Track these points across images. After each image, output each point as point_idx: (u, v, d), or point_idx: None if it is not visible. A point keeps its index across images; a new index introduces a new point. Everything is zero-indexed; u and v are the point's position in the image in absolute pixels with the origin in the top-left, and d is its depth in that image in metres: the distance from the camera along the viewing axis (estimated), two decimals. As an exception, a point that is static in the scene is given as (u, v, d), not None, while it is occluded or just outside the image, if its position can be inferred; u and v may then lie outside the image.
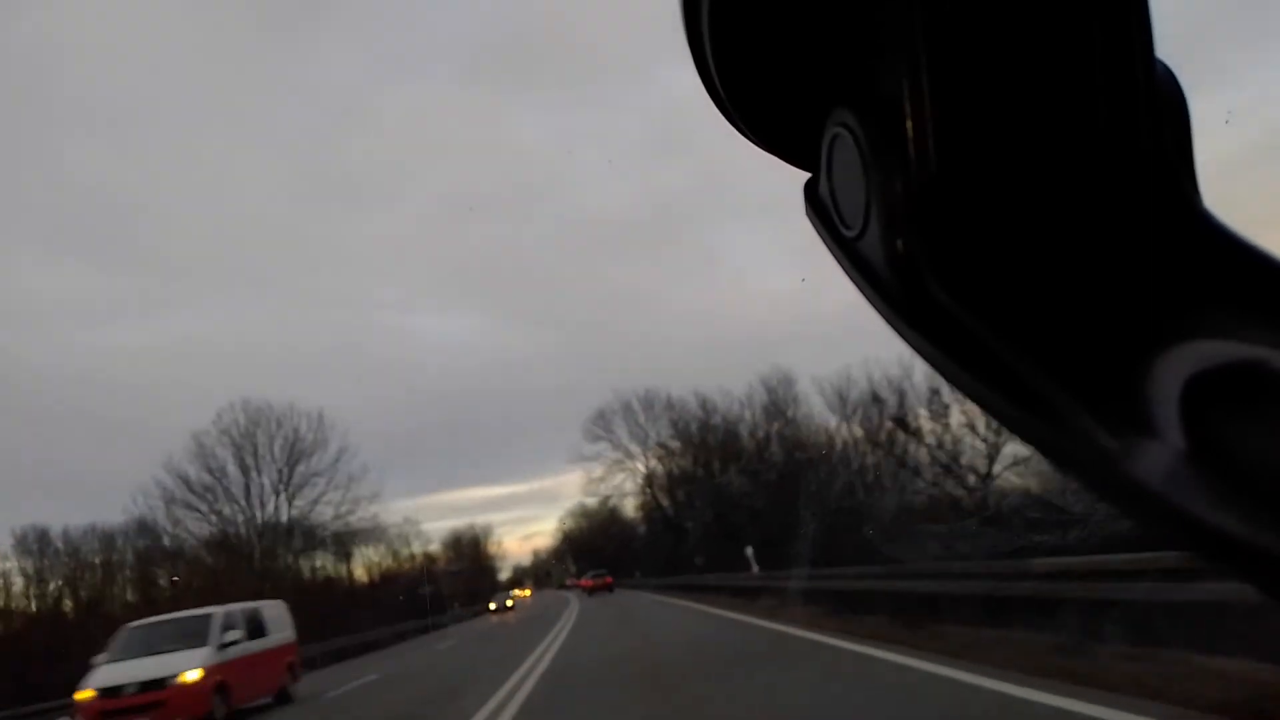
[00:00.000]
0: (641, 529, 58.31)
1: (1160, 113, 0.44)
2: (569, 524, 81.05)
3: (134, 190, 68.89)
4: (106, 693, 12.54)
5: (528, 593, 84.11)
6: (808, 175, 0.55)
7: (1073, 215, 0.45)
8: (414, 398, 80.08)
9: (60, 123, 65.89)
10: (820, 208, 0.52)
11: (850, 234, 0.49)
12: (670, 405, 49.07)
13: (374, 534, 54.17)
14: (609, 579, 51.03)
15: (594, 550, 68.35)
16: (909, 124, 0.44)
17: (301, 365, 72.13)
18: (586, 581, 53.72)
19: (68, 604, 38.42)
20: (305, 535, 44.69)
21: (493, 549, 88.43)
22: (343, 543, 47.56)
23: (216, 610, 14.13)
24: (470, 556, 77.99)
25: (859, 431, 31.07)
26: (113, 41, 74.06)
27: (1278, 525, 0.31)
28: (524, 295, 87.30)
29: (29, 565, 37.63)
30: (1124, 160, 0.44)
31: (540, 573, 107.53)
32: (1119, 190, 0.44)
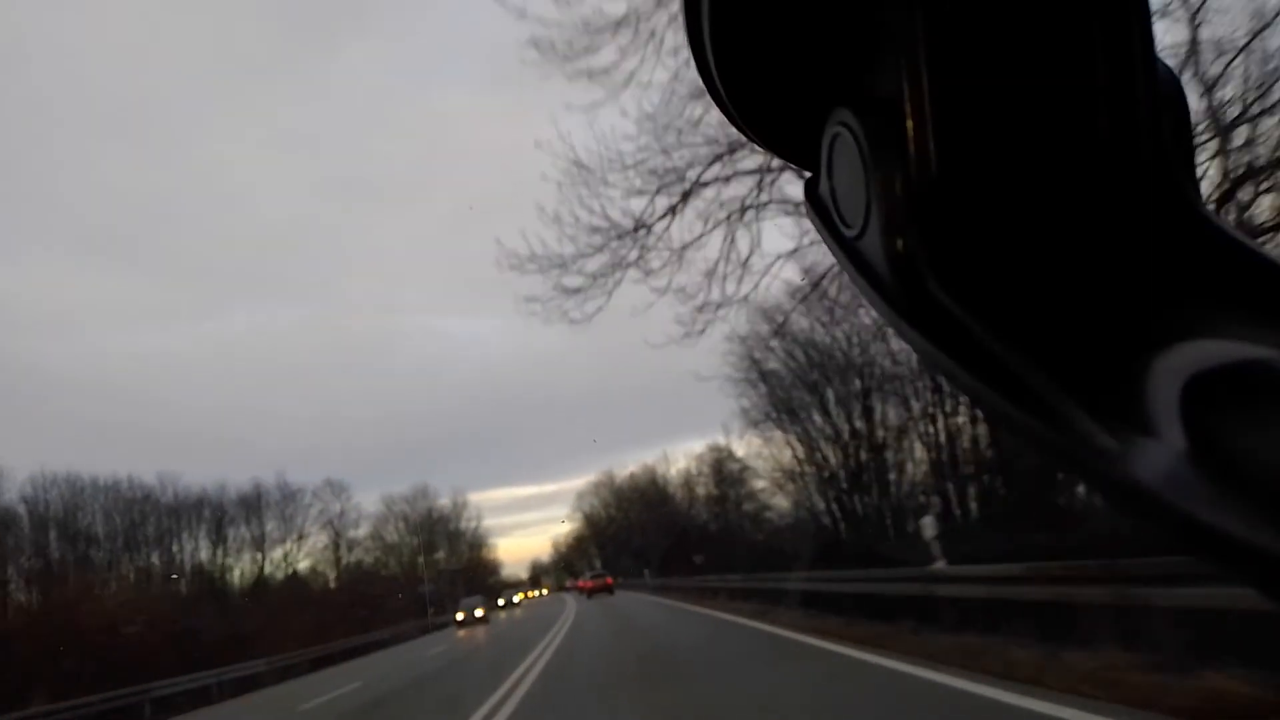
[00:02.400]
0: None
1: (1160, 113, 0.44)
2: (591, 503, 64.52)
3: (164, 197, 69.60)
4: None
5: (492, 607, 53.28)
6: (808, 175, 0.55)
7: (1073, 215, 0.45)
8: (444, 399, 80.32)
9: (95, 131, 66.44)
10: (820, 207, 0.52)
11: (850, 234, 0.49)
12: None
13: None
14: (609, 579, 49.61)
15: (625, 530, 54.91)
16: (909, 124, 0.44)
17: (332, 368, 72.10)
18: (585, 583, 51.65)
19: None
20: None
21: (466, 522, 68.92)
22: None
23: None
24: (453, 550, 62.28)
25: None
26: (144, 50, 74.92)
27: (1278, 525, 0.31)
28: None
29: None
30: (1124, 160, 0.44)
31: (556, 569, 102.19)
32: (1119, 190, 0.44)
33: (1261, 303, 0.39)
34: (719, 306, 11.23)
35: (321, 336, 77.72)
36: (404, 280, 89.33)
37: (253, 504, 47.56)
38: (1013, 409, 0.41)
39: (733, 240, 11.02)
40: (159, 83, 77.36)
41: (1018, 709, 5.52)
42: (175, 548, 43.26)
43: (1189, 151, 0.45)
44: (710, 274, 11.13)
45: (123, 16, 73.00)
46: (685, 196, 10.76)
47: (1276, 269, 0.40)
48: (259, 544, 47.15)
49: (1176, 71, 0.46)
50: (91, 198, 64.30)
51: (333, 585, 49.27)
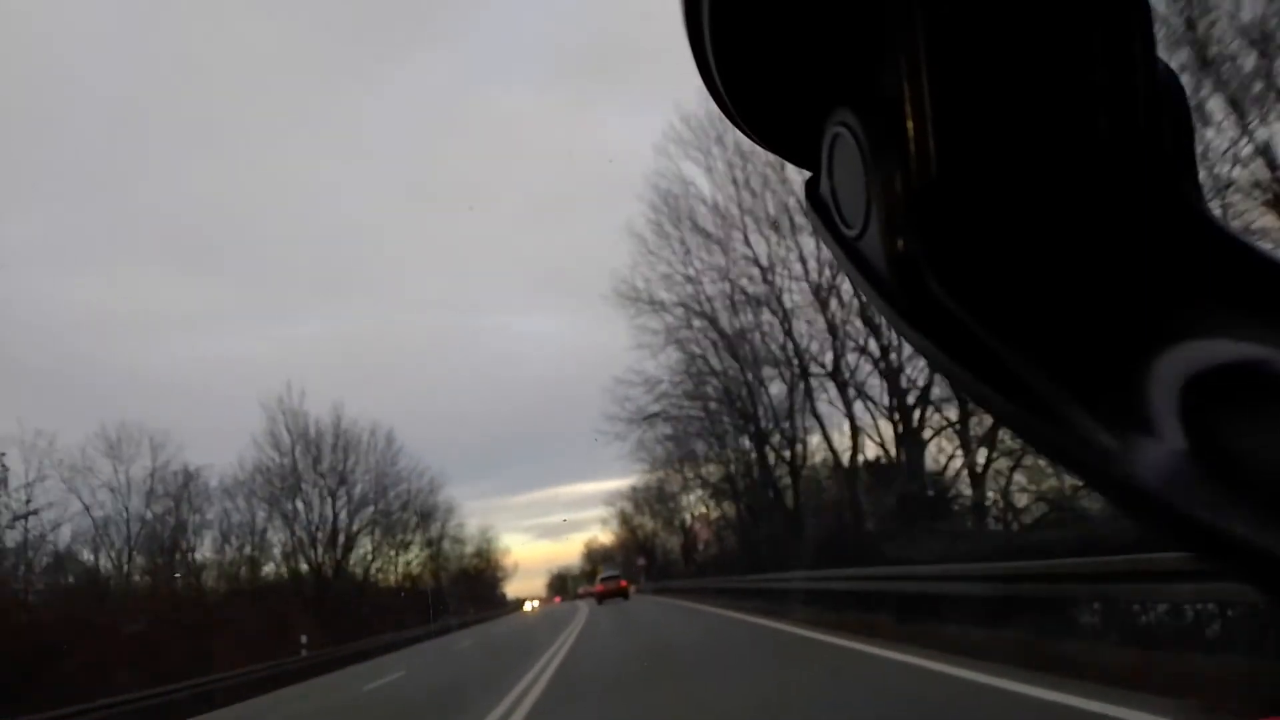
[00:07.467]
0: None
1: (1160, 113, 0.44)
2: (631, 498, 55.95)
3: (243, 204, 69.76)
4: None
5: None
6: (808, 174, 0.55)
7: (1073, 215, 0.45)
8: (511, 397, 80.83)
9: (178, 143, 66.66)
10: (821, 207, 0.52)
11: (850, 233, 0.49)
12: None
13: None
14: (624, 582, 46.37)
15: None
16: (909, 124, 0.44)
17: (401, 369, 72.54)
18: (597, 587, 47.60)
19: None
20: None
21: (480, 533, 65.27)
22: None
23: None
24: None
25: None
26: (222, 65, 74.95)
27: (1278, 525, 0.31)
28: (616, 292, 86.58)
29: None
30: (1124, 161, 0.44)
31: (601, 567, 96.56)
32: (1119, 190, 0.44)
33: (1261, 303, 0.39)
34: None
35: (391, 336, 77.95)
36: (473, 279, 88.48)
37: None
38: (1013, 408, 0.41)
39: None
40: (237, 95, 77.42)
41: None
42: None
43: (1189, 151, 0.45)
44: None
45: (203, 35, 73.04)
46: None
47: (1276, 269, 0.40)
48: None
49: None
50: (176, 208, 64.92)
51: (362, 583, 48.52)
